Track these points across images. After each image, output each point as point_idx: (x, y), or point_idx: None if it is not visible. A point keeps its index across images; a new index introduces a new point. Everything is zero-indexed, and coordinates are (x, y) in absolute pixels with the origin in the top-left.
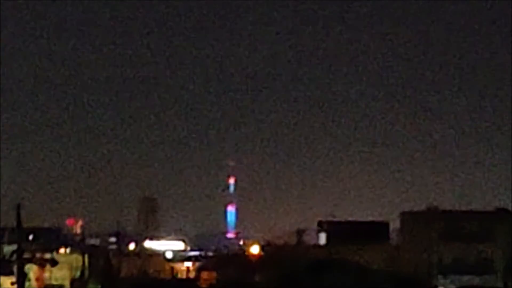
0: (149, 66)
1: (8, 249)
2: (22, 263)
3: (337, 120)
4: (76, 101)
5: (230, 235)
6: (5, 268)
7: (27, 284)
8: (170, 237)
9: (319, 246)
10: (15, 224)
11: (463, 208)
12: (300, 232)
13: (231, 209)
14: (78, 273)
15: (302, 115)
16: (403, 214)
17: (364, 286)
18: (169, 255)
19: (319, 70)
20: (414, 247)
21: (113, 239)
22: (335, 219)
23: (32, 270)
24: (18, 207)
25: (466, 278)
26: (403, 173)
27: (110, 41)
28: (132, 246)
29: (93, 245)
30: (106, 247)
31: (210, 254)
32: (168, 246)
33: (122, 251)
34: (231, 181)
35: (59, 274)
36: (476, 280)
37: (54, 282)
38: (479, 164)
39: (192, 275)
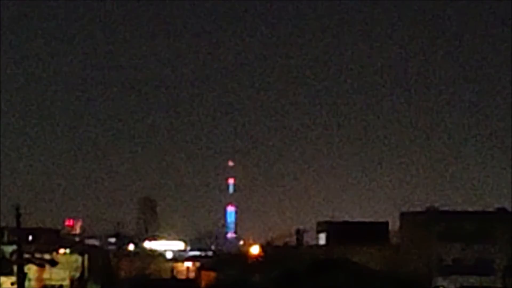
0: (149, 67)
1: (8, 249)
2: (22, 263)
3: (337, 121)
4: (76, 102)
5: (230, 235)
6: (5, 268)
7: (26, 284)
8: (170, 237)
9: (319, 247)
10: (14, 224)
11: (463, 209)
12: (299, 233)
13: (230, 209)
14: (78, 274)
15: (302, 116)
16: (402, 214)
17: (363, 287)
18: (169, 255)
19: (319, 71)
20: (414, 248)
21: (112, 240)
22: (335, 220)
23: (31, 270)
24: (18, 208)
25: (466, 278)
26: (403, 174)
27: (111, 41)
28: (131, 246)
29: (92, 246)
30: (105, 247)
31: (210, 254)
32: (168, 246)
33: (121, 252)
34: (231, 181)
35: (59, 275)
36: (476, 281)
37: (53, 283)
38: (479, 164)
39: (192, 275)
